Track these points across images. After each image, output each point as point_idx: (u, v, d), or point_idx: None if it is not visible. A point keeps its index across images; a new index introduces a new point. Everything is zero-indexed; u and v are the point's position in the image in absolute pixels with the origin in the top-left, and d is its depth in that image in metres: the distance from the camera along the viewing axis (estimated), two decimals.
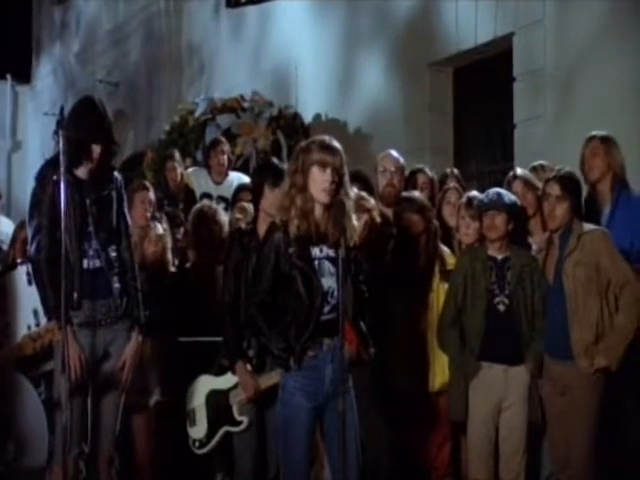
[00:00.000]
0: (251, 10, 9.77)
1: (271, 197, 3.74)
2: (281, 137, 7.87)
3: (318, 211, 3.15)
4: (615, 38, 5.89)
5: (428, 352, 4.11)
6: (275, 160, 4.18)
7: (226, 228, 4.63)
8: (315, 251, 3.13)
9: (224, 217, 4.73)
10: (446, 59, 7.49)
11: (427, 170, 5.02)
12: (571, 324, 3.74)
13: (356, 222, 3.16)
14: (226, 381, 3.85)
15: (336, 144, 3.16)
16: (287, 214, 3.11)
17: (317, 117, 8.67)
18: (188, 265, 4.81)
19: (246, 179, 5.89)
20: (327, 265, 3.13)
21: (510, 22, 6.74)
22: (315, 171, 3.12)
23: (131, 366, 3.56)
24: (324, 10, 8.92)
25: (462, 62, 7.52)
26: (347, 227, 3.10)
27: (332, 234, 3.09)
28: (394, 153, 4.46)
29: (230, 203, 5.51)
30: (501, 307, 3.91)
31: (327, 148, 3.13)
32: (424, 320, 4.13)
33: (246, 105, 8.07)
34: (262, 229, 3.77)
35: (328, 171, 3.10)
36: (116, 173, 3.66)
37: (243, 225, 4.15)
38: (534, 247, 4.15)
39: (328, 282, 3.11)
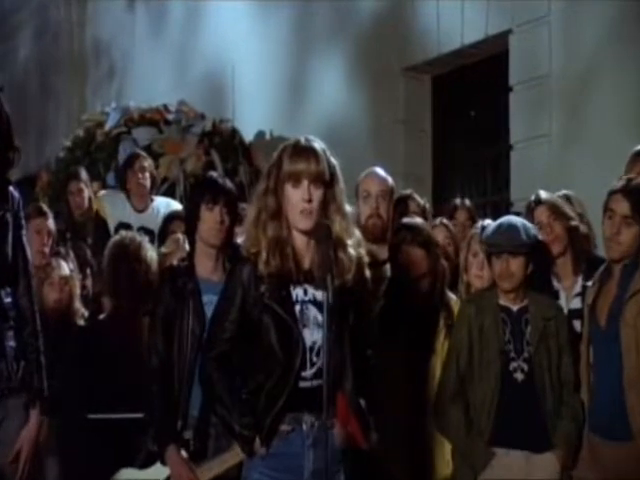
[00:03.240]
0: (175, 1, 9.83)
1: (210, 219, 3.70)
2: (216, 158, 7.90)
3: (299, 240, 2.97)
4: (636, 38, 5.94)
5: (429, 434, 3.99)
6: (214, 174, 4.15)
7: (153, 267, 4.51)
8: (297, 292, 2.95)
9: (151, 252, 4.62)
10: (424, 64, 7.56)
11: (417, 196, 4.99)
12: (627, 387, 3.59)
13: (352, 251, 2.96)
14: (154, 474, 3.68)
15: (315, 145, 2.95)
16: (256, 246, 2.93)
17: (260, 134, 8.82)
18: (102, 316, 4.71)
19: (176, 205, 5.91)
20: (313, 312, 2.95)
21: (506, 18, 6.83)
22: (289, 189, 2.93)
23: (29, 456, 3.33)
24: (269, 3, 9.01)
25: (444, 67, 7.60)
26: (337, 260, 2.90)
27: (317, 270, 2.91)
28: (380, 172, 4.34)
29: (157, 236, 5.48)
30: (519, 375, 3.78)
31: (299, 152, 2.93)
32: (425, 391, 3.98)
33: (171, 117, 8.13)
34: (201, 265, 3.73)
35: (303, 184, 2.91)
36: (12, 188, 3.50)
37: (175, 262, 4.07)
38: (562, 295, 4.06)
39: (313, 335, 2.94)
